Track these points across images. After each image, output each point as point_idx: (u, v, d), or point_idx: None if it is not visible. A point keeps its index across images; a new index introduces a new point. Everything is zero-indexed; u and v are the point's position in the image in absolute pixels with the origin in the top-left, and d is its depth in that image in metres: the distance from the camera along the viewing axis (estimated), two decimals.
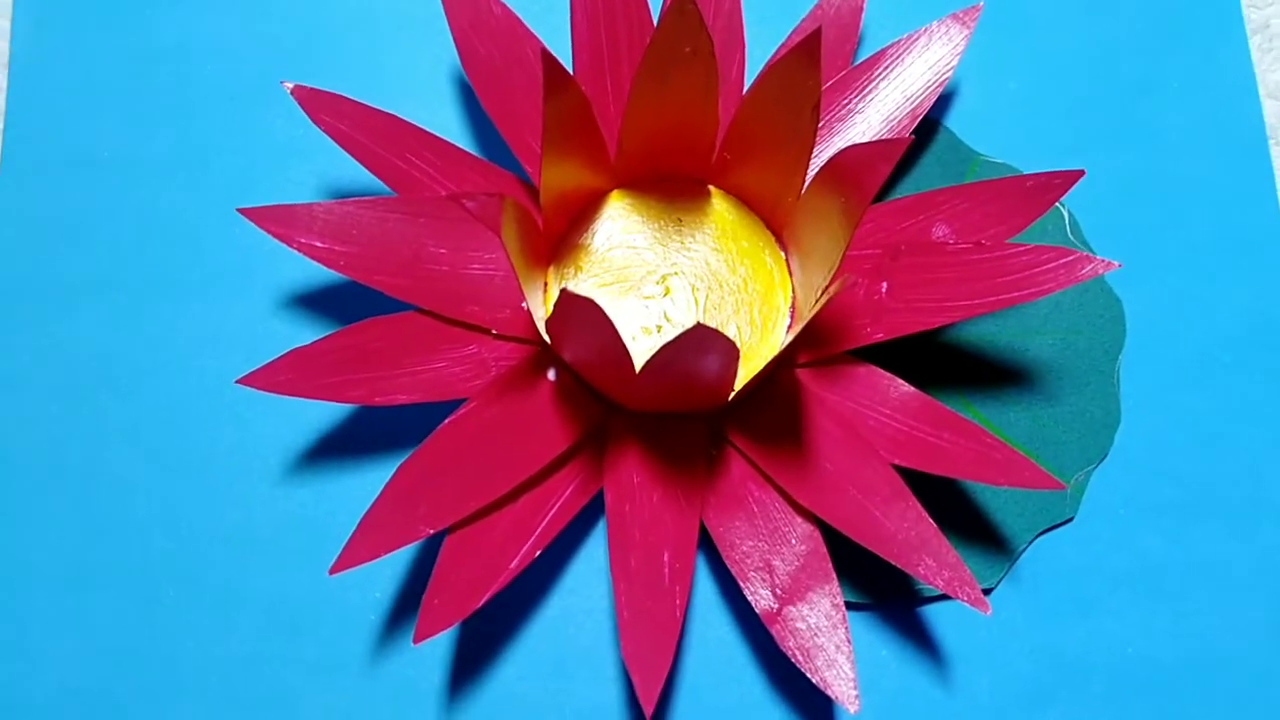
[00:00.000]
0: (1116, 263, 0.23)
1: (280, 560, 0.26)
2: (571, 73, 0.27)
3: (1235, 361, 0.28)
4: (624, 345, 0.21)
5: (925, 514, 0.24)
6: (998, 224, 0.26)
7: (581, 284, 0.26)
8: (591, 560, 0.26)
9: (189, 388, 0.27)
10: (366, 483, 0.27)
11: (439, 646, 0.25)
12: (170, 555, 0.26)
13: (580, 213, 0.27)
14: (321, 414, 0.27)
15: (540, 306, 0.25)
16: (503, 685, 0.25)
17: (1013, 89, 0.30)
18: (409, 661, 0.25)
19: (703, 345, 0.21)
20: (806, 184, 0.25)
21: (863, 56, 0.29)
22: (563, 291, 0.20)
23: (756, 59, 0.28)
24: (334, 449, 0.27)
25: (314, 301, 0.28)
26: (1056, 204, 0.29)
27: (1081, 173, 0.24)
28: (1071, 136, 0.29)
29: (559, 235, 0.26)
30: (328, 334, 0.24)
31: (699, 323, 0.20)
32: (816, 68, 0.21)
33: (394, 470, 0.24)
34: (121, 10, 0.29)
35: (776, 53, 0.28)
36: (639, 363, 0.22)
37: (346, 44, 0.29)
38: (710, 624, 0.26)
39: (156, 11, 0.29)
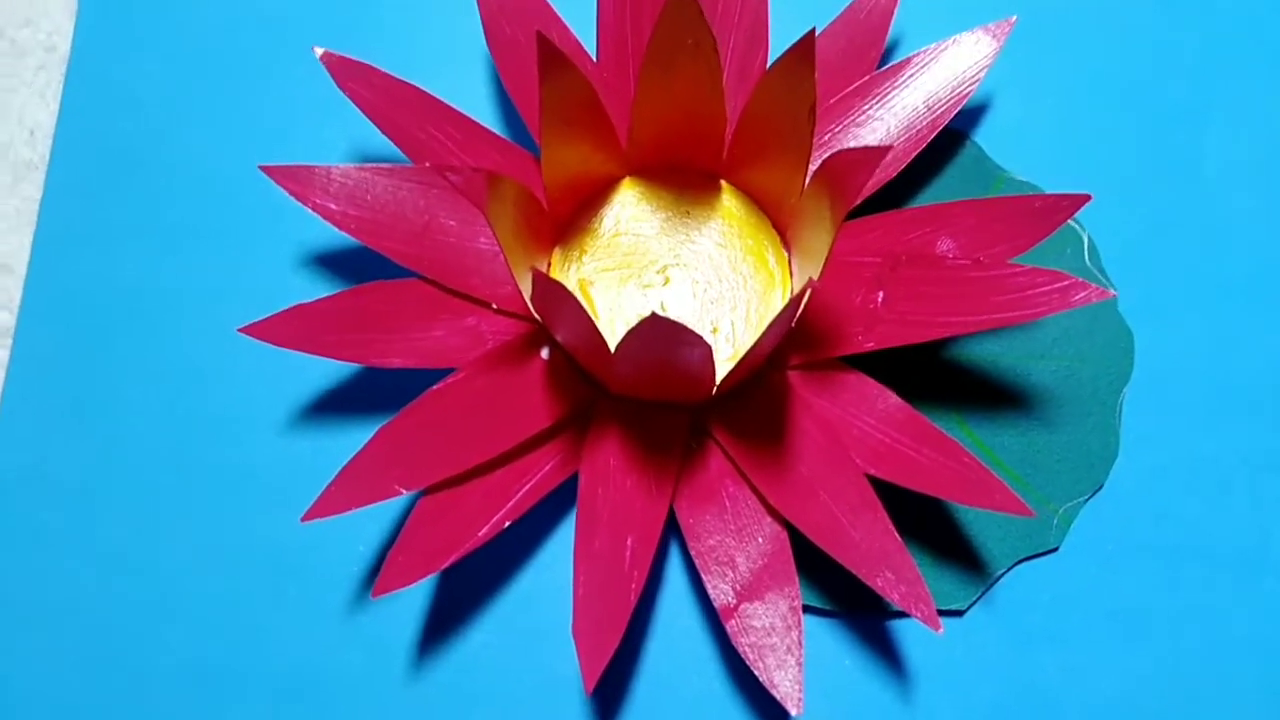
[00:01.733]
0: (1112, 291, 0.23)
1: (274, 506, 0.27)
2: (595, 57, 0.27)
3: (1249, 408, 0.27)
4: (596, 329, 0.22)
5: (891, 527, 0.24)
6: (1003, 242, 0.25)
7: (585, 267, 0.27)
8: (567, 540, 0.27)
9: (206, 331, 0.28)
10: (361, 438, 0.28)
11: (413, 606, 0.26)
12: (171, 487, 0.27)
13: (590, 197, 0.27)
14: (328, 371, 0.28)
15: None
16: (470, 648, 0.26)
17: (1047, 107, 0.29)
18: (384, 617, 0.26)
19: (669, 337, 0.21)
20: (805, 186, 0.25)
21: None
22: (535, 273, 0.21)
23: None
24: (337, 405, 0.28)
25: (332, 261, 0.29)
26: (1075, 228, 0.28)
27: (1088, 197, 0.24)
28: (1103, 160, 0.29)
29: (566, 218, 0.27)
30: (336, 292, 0.25)
31: (653, 314, 0.20)
32: (811, 70, 0.21)
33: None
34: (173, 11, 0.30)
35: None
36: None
37: (384, 18, 0.30)
38: (677, 615, 0.26)
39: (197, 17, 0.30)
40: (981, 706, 0.26)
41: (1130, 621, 0.26)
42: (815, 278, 0.23)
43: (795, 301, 0.21)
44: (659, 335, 0.21)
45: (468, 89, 0.29)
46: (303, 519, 0.23)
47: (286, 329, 0.25)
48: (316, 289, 0.28)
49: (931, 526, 0.26)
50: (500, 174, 0.22)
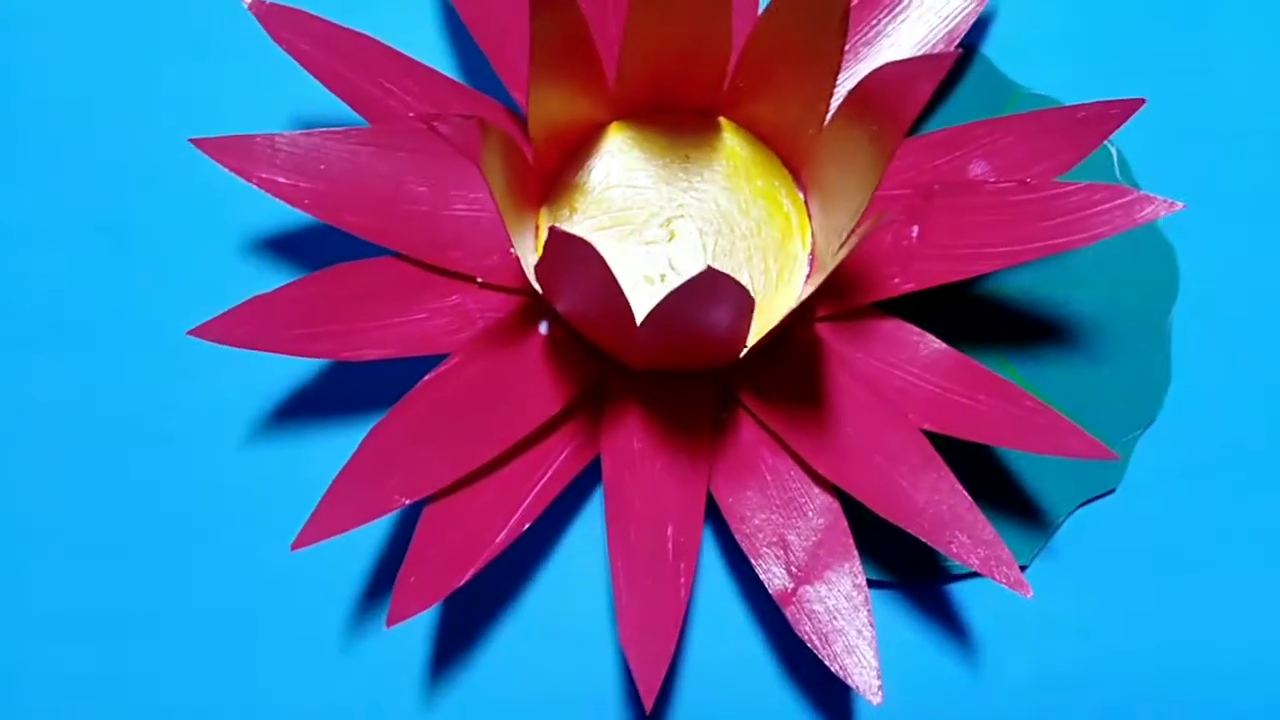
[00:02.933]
0: (1179, 203, 0.21)
1: (247, 530, 0.23)
2: None
3: None
4: (622, 293, 0.19)
5: (959, 485, 0.21)
6: (1043, 160, 0.23)
7: (576, 227, 0.23)
8: (589, 527, 0.24)
9: (144, 340, 0.24)
10: (342, 444, 0.24)
11: (421, 620, 0.23)
12: (128, 525, 0.23)
13: (575, 147, 0.24)
14: (290, 368, 0.24)
15: (531, 252, 0.23)
16: (490, 660, 0.23)
17: (1057, 14, 0.27)
18: (388, 636, 0.23)
19: (713, 293, 0.18)
20: (831, 113, 0.22)
21: None
22: (552, 230, 0.17)
23: None
24: (305, 407, 0.24)
25: (284, 245, 0.25)
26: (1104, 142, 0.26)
27: (1141, 101, 0.22)
28: (1121, 67, 0.26)
29: (551, 172, 0.24)
30: (294, 280, 0.22)
31: (709, 266, 0.17)
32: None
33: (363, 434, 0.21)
34: None
35: None
36: (640, 315, 0.19)
37: None
38: (718, 603, 0.24)
39: None
40: (1053, 664, 0.24)
41: (1200, 558, 0.24)
42: (861, 215, 0.20)
43: (857, 239, 0.19)
44: (703, 291, 0.18)
45: (415, 32, 0.26)
46: (293, 547, 0.19)
47: (243, 326, 0.21)
48: (271, 279, 0.25)
49: (981, 478, 0.24)
50: (489, 122, 0.19)
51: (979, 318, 0.25)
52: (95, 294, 0.24)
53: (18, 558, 0.23)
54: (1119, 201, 0.21)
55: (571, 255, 0.18)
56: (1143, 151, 0.26)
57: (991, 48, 0.27)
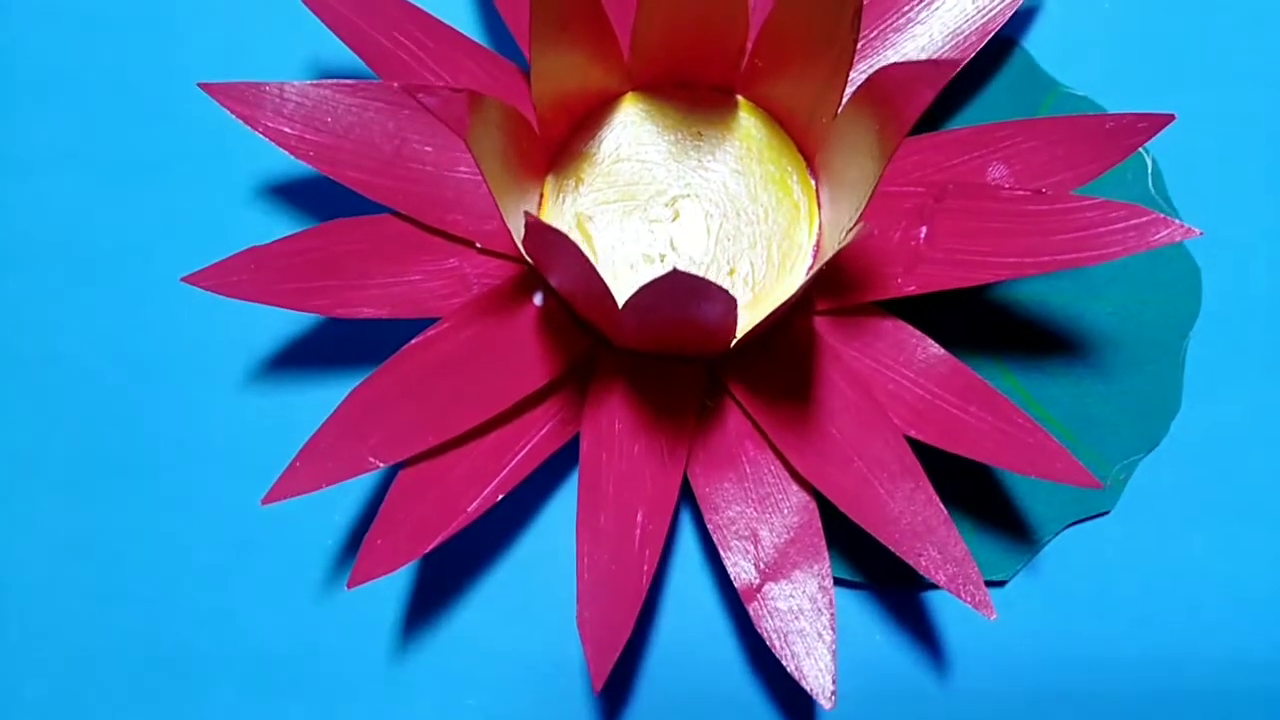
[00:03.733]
0: (1197, 230, 0.20)
1: (237, 473, 0.24)
2: None
3: None
4: (601, 281, 0.19)
5: (936, 498, 0.21)
6: (1066, 170, 0.22)
7: (581, 199, 0.23)
8: (567, 503, 0.24)
9: (149, 276, 0.25)
10: (334, 396, 0.24)
11: (395, 580, 0.24)
12: (123, 457, 0.24)
13: (587, 115, 0.24)
14: (290, 317, 0.25)
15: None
16: (460, 627, 0.24)
17: (1106, 9, 0.25)
18: (363, 593, 0.24)
19: (689, 293, 0.18)
20: (843, 104, 0.21)
21: None
22: (529, 219, 0.17)
23: None
24: (302, 356, 0.25)
25: (291, 192, 0.25)
26: (1139, 150, 0.25)
27: (1171, 117, 0.21)
28: (1169, 72, 0.25)
29: (559, 140, 0.23)
30: (296, 232, 0.22)
31: (674, 269, 0.17)
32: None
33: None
34: None
35: None
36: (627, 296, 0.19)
37: None
38: (690, 591, 0.24)
39: None
40: (1022, 682, 0.23)
41: (1188, 590, 0.24)
42: (859, 216, 0.20)
43: (844, 243, 0.18)
44: (677, 291, 0.18)
45: None
46: (263, 501, 0.20)
47: (239, 277, 0.21)
48: (274, 226, 0.25)
49: (970, 487, 0.24)
50: (483, 93, 0.18)
51: (987, 321, 0.24)
52: (97, 230, 0.25)
53: (21, 469, 0.24)
54: (1135, 221, 0.20)
55: (550, 243, 0.18)
56: (1182, 164, 0.25)
57: (1033, 42, 0.25)
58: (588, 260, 0.18)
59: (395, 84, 0.20)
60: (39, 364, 0.24)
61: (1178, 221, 0.20)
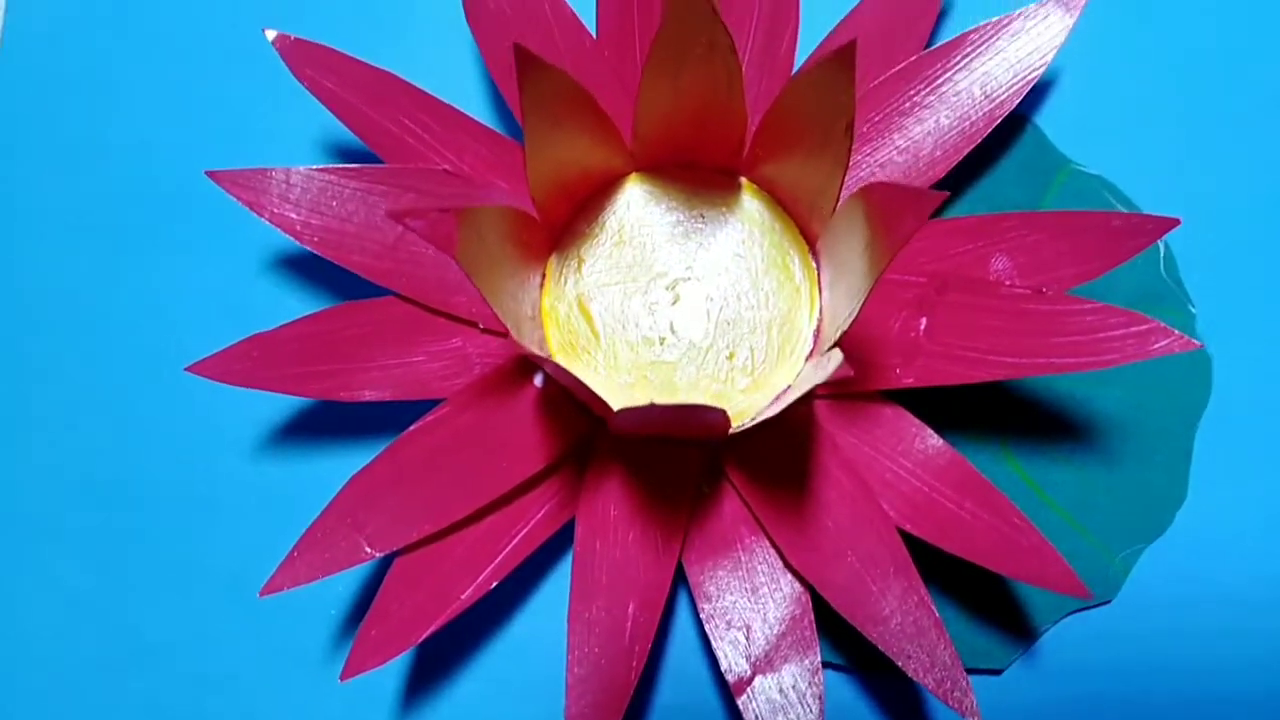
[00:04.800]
0: (1197, 342, 0.19)
1: (246, 541, 0.25)
2: (594, 32, 0.24)
3: None
4: (597, 397, 0.19)
5: (928, 598, 0.21)
6: (1070, 265, 0.22)
7: (584, 280, 0.23)
8: (565, 580, 0.24)
9: (163, 347, 0.25)
10: (342, 466, 0.25)
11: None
12: (135, 524, 0.25)
13: (591, 196, 0.24)
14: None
15: (528, 321, 0.22)
16: (458, 702, 0.24)
17: (1121, 88, 0.25)
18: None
19: (675, 414, 0.18)
20: (840, 202, 0.21)
21: (944, 38, 0.24)
22: (517, 350, 0.17)
23: (816, 32, 0.24)
24: (312, 427, 0.25)
25: (302, 264, 0.25)
26: None
27: (1176, 221, 0.20)
28: (1183, 152, 0.25)
29: (563, 220, 0.23)
30: (302, 316, 0.22)
31: (652, 404, 0.17)
32: (850, 82, 0.17)
33: (369, 458, 0.22)
34: None
35: (831, 36, 0.23)
36: (634, 376, 0.19)
37: None
38: (686, 674, 0.24)
39: None
40: None
41: (1188, 685, 0.23)
42: (853, 319, 0.20)
43: (825, 374, 0.18)
44: (663, 414, 0.18)
45: (452, 71, 0.25)
46: (261, 593, 0.20)
47: (241, 365, 0.22)
48: (287, 297, 0.25)
49: (969, 571, 0.24)
50: (473, 206, 0.18)
51: (991, 403, 0.24)
52: (113, 304, 0.25)
53: (35, 534, 0.25)
54: (1134, 329, 0.20)
55: (547, 368, 0.18)
56: (1195, 246, 0.24)
57: (1045, 118, 0.25)
58: (582, 383, 0.18)
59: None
60: (57, 431, 0.25)
61: (1177, 332, 0.19)
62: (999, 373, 0.21)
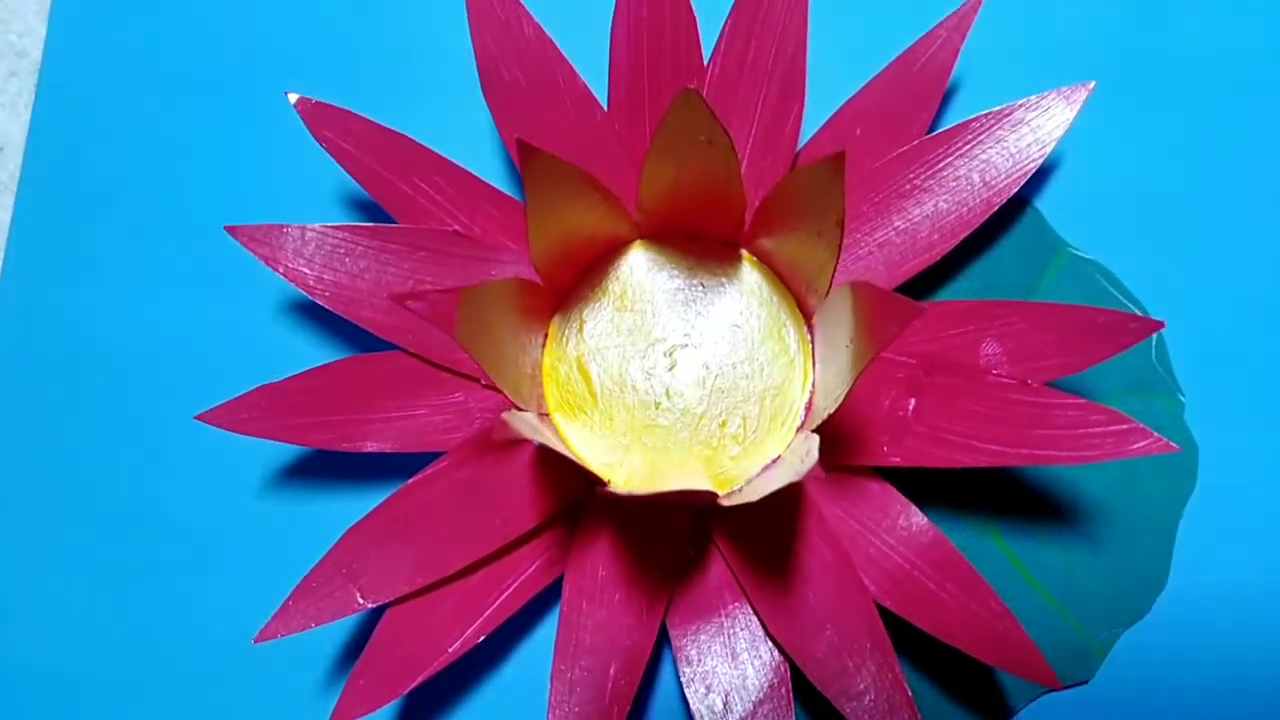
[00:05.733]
0: (1175, 446, 0.20)
1: (246, 579, 0.25)
2: (604, 102, 0.24)
3: None
4: (589, 473, 0.19)
5: (902, 677, 0.21)
6: (1057, 356, 0.22)
7: (585, 342, 0.24)
8: (551, 631, 0.25)
9: (178, 386, 0.26)
10: (344, 508, 0.26)
11: None
12: (141, 555, 0.25)
13: (596, 260, 0.24)
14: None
15: (528, 380, 0.23)
16: None
17: (1120, 174, 0.25)
18: None
19: (664, 497, 0.19)
20: (835, 284, 0.21)
21: (950, 117, 0.25)
22: (504, 419, 0.18)
23: (823, 109, 0.25)
24: (317, 469, 0.26)
25: (317, 310, 0.26)
26: None
27: (1160, 324, 0.21)
28: (1180, 240, 0.25)
29: (567, 284, 0.24)
30: (304, 370, 0.23)
31: (632, 496, 0.17)
32: (841, 187, 0.18)
33: (372, 503, 0.23)
34: (152, 27, 0.27)
35: (836, 116, 0.24)
36: (629, 432, 0.20)
37: (373, 57, 0.27)
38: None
39: (181, 28, 0.27)
40: None
41: None
42: (838, 404, 0.20)
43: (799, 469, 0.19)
44: (651, 498, 0.18)
45: (465, 135, 0.26)
46: (255, 640, 0.21)
47: (249, 414, 0.23)
48: (299, 340, 0.26)
49: (944, 647, 0.24)
50: (473, 285, 0.19)
51: (979, 481, 0.25)
52: (145, 332, 0.26)
53: (46, 561, 0.26)
54: (1114, 428, 0.20)
55: (536, 440, 0.19)
56: (1187, 332, 0.25)
57: (1045, 201, 0.26)
58: (574, 461, 0.19)
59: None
60: (74, 464, 0.26)
61: (1157, 436, 0.20)
62: (983, 459, 0.21)
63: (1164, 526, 0.24)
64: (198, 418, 0.22)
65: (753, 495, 0.19)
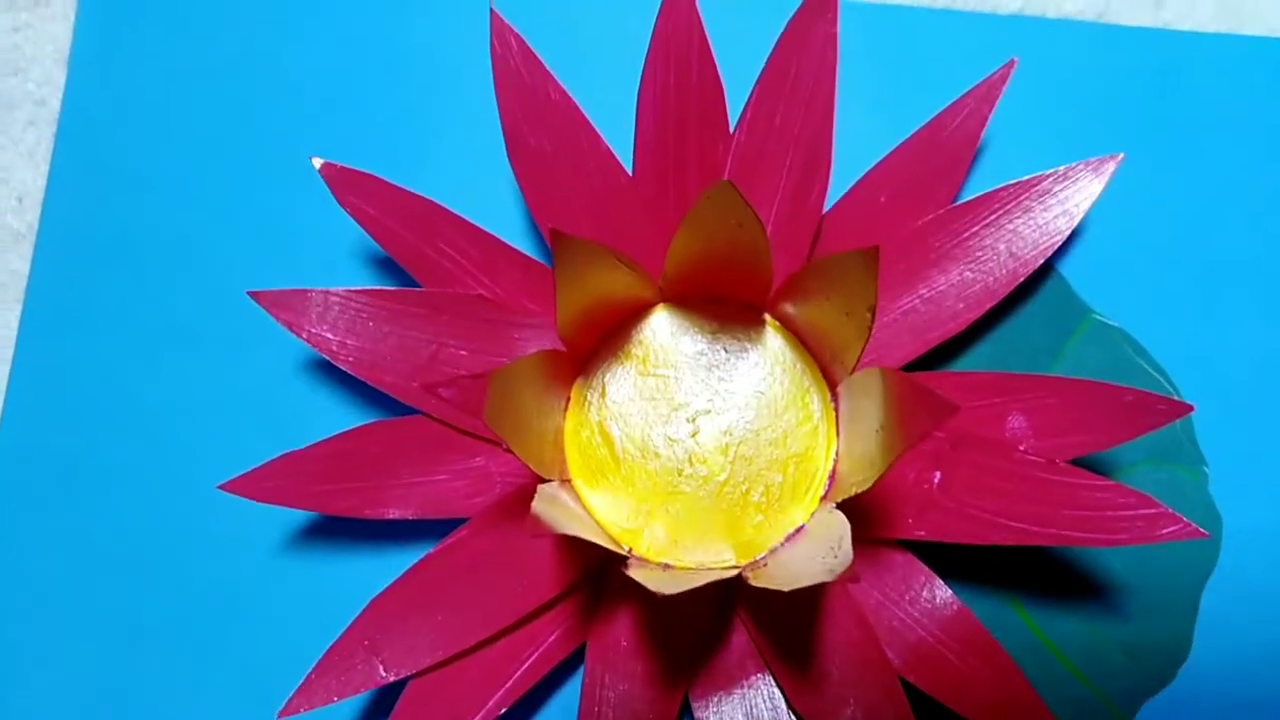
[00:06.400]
0: (1204, 532, 0.20)
1: (267, 637, 0.25)
2: (629, 171, 0.24)
3: None
4: (611, 550, 0.19)
5: None
6: (1083, 432, 0.22)
7: (606, 407, 0.24)
8: (572, 698, 0.25)
9: (199, 440, 0.26)
10: (364, 569, 0.25)
11: None
12: (161, 619, 0.25)
13: (619, 324, 0.24)
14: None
15: (550, 446, 0.23)
16: None
17: (1146, 240, 0.25)
18: None
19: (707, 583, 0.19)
20: (859, 365, 0.21)
21: (971, 187, 0.25)
22: (535, 514, 0.18)
23: (847, 172, 0.25)
24: (340, 528, 0.26)
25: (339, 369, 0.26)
26: (1169, 389, 0.24)
27: (1190, 407, 0.21)
28: (1205, 306, 0.25)
29: (589, 348, 0.24)
30: (326, 438, 0.23)
31: (690, 575, 0.17)
32: (874, 278, 0.18)
33: (394, 564, 0.23)
34: (174, 81, 0.27)
35: (865, 180, 0.24)
36: (654, 494, 0.20)
37: (393, 121, 0.26)
38: None
39: (204, 84, 0.27)
40: None
41: None
42: (868, 488, 0.20)
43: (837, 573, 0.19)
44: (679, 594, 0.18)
45: (489, 197, 0.26)
46: (279, 715, 0.21)
47: (272, 483, 0.23)
48: (319, 398, 0.26)
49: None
50: (501, 367, 0.19)
51: (1002, 553, 0.24)
52: (166, 391, 0.26)
53: (63, 615, 0.25)
54: (1144, 511, 0.20)
55: (558, 530, 0.19)
56: (1211, 404, 0.24)
57: (1070, 266, 0.25)
58: (597, 545, 0.19)
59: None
60: (91, 524, 0.26)
61: (1186, 522, 0.20)
62: (1010, 538, 0.21)
63: (1187, 599, 0.24)
64: (221, 488, 0.22)
65: (784, 585, 0.19)
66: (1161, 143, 0.26)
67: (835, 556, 0.18)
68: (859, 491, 0.20)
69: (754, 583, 0.20)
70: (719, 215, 0.19)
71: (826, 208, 0.24)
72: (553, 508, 0.21)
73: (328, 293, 0.23)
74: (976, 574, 0.24)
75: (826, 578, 0.18)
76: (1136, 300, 0.25)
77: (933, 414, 0.17)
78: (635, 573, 0.20)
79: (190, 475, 0.26)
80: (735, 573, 0.21)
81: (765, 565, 0.22)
